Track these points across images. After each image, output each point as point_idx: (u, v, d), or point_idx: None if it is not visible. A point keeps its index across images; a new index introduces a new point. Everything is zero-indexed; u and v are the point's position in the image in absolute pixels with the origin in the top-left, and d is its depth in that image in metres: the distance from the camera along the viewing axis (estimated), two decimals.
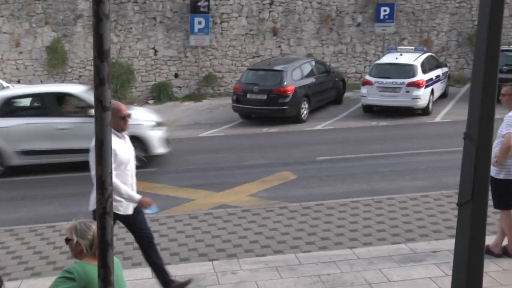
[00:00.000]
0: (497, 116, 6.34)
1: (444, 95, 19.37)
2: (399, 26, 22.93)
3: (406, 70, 17.14)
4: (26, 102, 12.65)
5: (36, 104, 12.59)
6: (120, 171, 5.58)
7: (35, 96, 12.59)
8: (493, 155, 6.30)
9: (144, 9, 21.26)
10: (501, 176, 6.37)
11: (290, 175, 11.01)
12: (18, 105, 12.53)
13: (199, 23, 21.06)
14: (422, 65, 17.40)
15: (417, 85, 16.76)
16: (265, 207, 8.97)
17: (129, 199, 5.62)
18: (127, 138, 5.83)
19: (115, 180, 5.39)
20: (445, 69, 19.55)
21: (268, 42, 22.24)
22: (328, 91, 18.72)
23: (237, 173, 11.47)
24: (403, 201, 8.89)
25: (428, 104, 17.18)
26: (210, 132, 16.29)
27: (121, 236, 7.71)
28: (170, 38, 21.54)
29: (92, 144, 5.59)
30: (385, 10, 21.97)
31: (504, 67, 17.92)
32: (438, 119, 16.78)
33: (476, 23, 23.08)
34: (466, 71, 22.96)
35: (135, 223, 5.84)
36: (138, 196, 5.66)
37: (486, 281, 5.47)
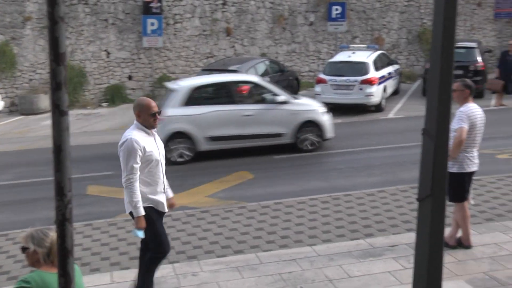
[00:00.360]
0: (452, 111, 6.47)
1: (396, 92, 19.71)
2: (351, 25, 23.22)
3: (359, 68, 17.35)
4: (212, 90, 13.22)
5: (221, 93, 13.05)
6: (150, 169, 5.42)
7: (219, 85, 13.13)
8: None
9: (95, 11, 20.89)
10: (454, 170, 6.50)
11: (248, 175, 10.99)
12: (204, 93, 13.02)
13: (152, 24, 20.83)
14: (375, 62, 17.66)
15: (370, 82, 16.99)
16: (224, 207, 8.93)
17: (134, 207, 5.36)
18: (157, 135, 5.65)
19: (135, 184, 5.30)
20: (396, 66, 19.90)
21: (222, 42, 22.18)
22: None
23: (195, 174, 11.38)
24: (360, 197, 8.98)
25: (381, 101, 17.43)
26: None
27: (78, 242, 7.55)
28: (122, 39, 21.24)
29: (121, 142, 5.42)
30: (336, 9, 22.21)
31: (454, 63, 18.34)
32: (391, 115, 17.06)
33: (424, 21, 23.65)
34: (416, 68, 23.47)
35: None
36: (141, 212, 5.37)
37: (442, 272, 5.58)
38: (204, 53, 21.99)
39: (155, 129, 5.57)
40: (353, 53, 18.28)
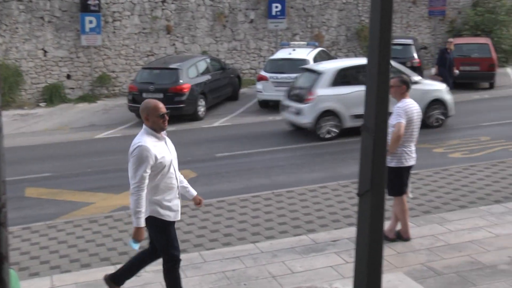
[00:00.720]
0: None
1: None
2: (291, 22, 23.39)
3: (300, 65, 17.41)
4: (354, 72, 13.95)
5: (363, 74, 13.33)
6: (162, 175, 5.08)
7: (361, 67, 13.50)
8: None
9: (30, 8, 20.23)
10: (393, 164, 6.64)
11: (190, 173, 10.89)
12: (348, 75, 13.94)
13: (90, 22, 20.36)
14: (315, 59, 17.81)
15: None
16: None
17: (136, 216, 4.98)
18: (168, 138, 5.28)
19: (141, 194, 4.96)
20: None
21: (162, 40, 21.93)
22: (224, 88, 18.75)
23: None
24: (302, 193, 9.05)
25: None
26: (106, 134, 15.81)
27: (16, 246, 7.30)
28: (60, 38, 20.66)
29: (131, 149, 5.05)
30: (276, 7, 22.33)
31: (391, 60, 18.77)
32: None
33: (362, 18, 24.10)
34: None
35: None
36: (142, 224, 5.01)
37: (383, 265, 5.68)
38: (144, 51, 21.68)
39: (165, 131, 5.23)
40: (294, 50, 18.41)
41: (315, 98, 13.24)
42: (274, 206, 8.51)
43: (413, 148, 6.80)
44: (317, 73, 13.83)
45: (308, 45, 19.25)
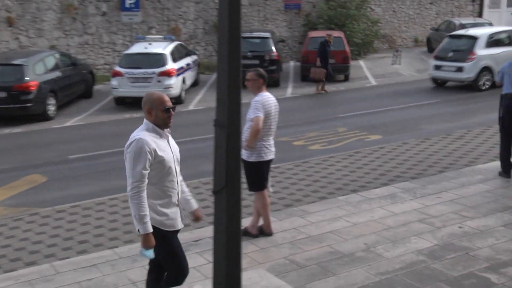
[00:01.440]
0: (245, 101, 6.68)
1: (195, 83, 20.01)
2: (146, 15, 23.04)
3: (156, 59, 17.29)
4: (500, 36, 18.73)
5: (509, 38, 18.68)
6: (161, 177, 4.53)
7: (507, 32, 18.93)
8: (243, 139, 6.68)
9: None
10: (252, 159, 6.73)
11: (40, 178, 10.35)
12: (496, 38, 18.48)
13: None
14: (172, 53, 17.71)
15: (168, 74, 17.02)
16: (12, 216, 8.29)
17: (140, 222, 4.46)
18: (171, 137, 4.78)
19: (142, 194, 4.41)
20: (194, 57, 20.20)
21: (3, 33, 20.62)
22: (76, 85, 18.03)
23: None
24: None
25: (180, 93, 17.58)
26: None
27: None
28: None
29: (127, 144, 4.53)
30: None
31: (249, 54, 19.18)
32: (191, 107, 17.27)
33: None
34: (214, 58, 24.01)
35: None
36: (149, 229, 4.48)
37: (245, 262, 5.75)
38: None
39: (169, 129, 4.73)
40: (150, 44, 18.16)
41: (476, 57, 17.43)
42: None
43: (271, 142, 6.93)
44: (474, 38, 17.99)
45: (165, 39, 19.08)
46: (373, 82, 20.42)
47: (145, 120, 4.69)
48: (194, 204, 5.04)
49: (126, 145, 4.57)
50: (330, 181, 9.16)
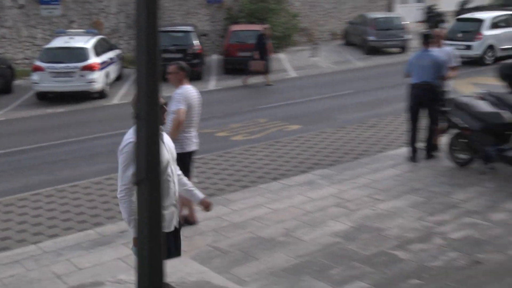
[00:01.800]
0: (168, 94, 6.67)
1: (119, 77, 19.69)
2: (67, 9, 22.41)
3: (79, 54, 16.90)
4: (503, 19, 21.67)
5: (508, 20, 21.59)
6: None
7: (505, 15, 21.76)
8: (167, 131, 6.70)
9: None
10: (176, 150, 6.74)
11: None
12: (498, 20, 21.37)
13: None
14: (95, 48, 17.35)
15: (91, 68, 16.67)
16: None
17: (128, 225, 4.35)
18: (165, 135, 4.53)
19: (132, 198, 4.21)
20: (117, 51, 19.85)
21: None
22: None
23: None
24: (87, 187, 8.82)
25: (104, 87, 17.26)
26: None
27: None
28: None
29: (121, 146, 4.33)
30: None
31: (172, 47, 19.04)
32: (115, 101, 17.00)
33: None
34: None
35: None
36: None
37: None
38: None
39: (163, 127, 4.49)
40: (71, 38, 17.72)
41: (483, 37, 20.29)
42: (57, 202, 8.17)
43: (194, 133, 6.98)
44: (480, 21, 20.86)
45: (86, 33, 18.65)
46: (293, 74, 20.75)
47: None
48: (200, 194, 4.93)
49: (120, 147, 4.43)
50: (251, 170, 9.31)
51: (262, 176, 9.00)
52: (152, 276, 3.34)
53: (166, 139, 4.55)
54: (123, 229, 7.02)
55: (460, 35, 20.80)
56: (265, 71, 18.47)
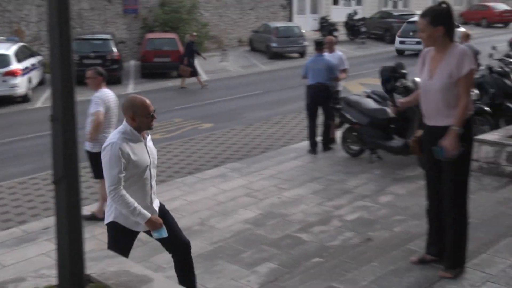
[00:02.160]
0: (87, 97, 6.38)
1: (42, 82, 18.82)
2: None
3: (0, 60, 15.99)
4: None
5: None
6: (134, 180, 4.03)
7: None
8: (87, 132, 6.47)
9: None
10: (95, 150, 6.50)
11: None
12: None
13: None
14: (16, 54, 16.52)
15: (13, 73, 15.86)
16: None
17: (135, 215, 3.99)
18: (149, 137, 4.18)
19: (123, 194, 3.89)
20: (39, 58, 18.97)
21: None
22: None
23: None
24: (12, 187, 8.32)
25: (27, 92, 16.47)
26: None
27: None
28: None
29: (102, 148, 3.97)
30: None
31: (92, 54, 18.43)
32: (38, 104, 16.23)
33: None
34: None
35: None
36: (147, 215, 4.02)
37: (93, 244, 5.58)
38: None
39: (149, 131, 4.18)
40: None
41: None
42: None
43: None
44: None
45: (8, 40, 17.67)
46: (204, 77, 20.61)
47: (124, 122, 4.10)
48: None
49: (102, 148, 4.13)
50: (168, 166, 9.13)
51: (178, 171, 8.85)
52: (73, 268, 3.17)
53: (150, 144, 4.25)
54: (47, 225, 6.67)
55: (411, 33, 22.59)
56: (194, 75, 18.29)
